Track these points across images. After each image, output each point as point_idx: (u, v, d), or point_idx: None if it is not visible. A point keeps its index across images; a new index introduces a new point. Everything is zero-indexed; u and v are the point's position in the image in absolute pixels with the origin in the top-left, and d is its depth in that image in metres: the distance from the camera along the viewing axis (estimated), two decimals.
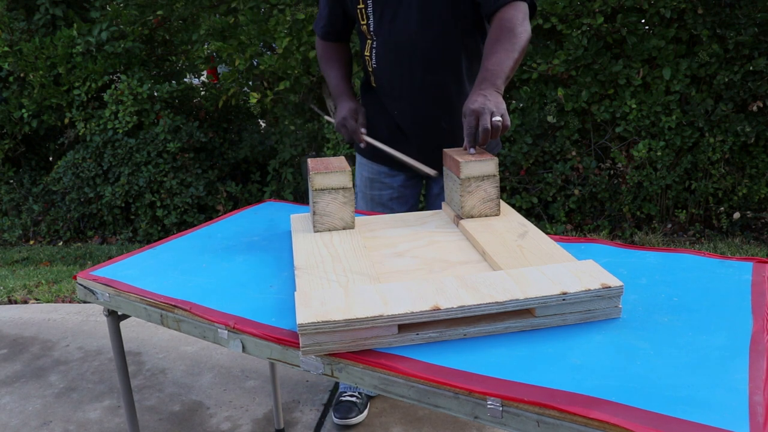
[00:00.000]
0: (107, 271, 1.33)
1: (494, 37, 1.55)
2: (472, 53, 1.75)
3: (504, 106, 1.40)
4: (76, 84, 4.66)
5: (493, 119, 1.35)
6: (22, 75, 4.73)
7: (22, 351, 2.78)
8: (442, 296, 0.96)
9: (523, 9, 1.58)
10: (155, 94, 4.65)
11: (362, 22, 1.74)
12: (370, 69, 1.80)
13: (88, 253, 4.56)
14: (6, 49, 4.65)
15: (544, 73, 3.83)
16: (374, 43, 1.75)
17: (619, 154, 3.89)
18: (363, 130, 1.75)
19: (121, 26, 4.69)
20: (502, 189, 4.12)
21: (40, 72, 4.62)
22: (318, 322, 0.91)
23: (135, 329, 2.89)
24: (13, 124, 4.93)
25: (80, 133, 4.74)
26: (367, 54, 1.79)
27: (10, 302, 3.49)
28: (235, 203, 4.81)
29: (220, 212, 4.75)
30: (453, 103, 1.76)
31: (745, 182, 3.76)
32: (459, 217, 1.37)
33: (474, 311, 0.94)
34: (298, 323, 0.91)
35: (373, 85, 1.84)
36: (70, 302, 3.40)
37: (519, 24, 1.55)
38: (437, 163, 1.81)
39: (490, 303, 0.94)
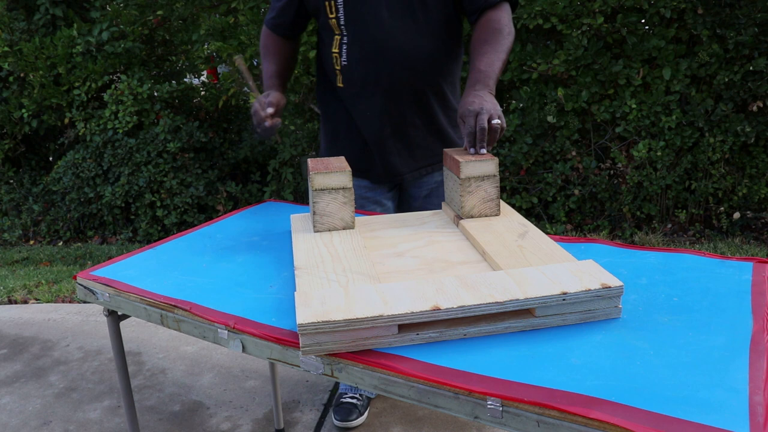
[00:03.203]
0: (107, 271, 1.33)
1: (483, 38, 1.56)
2: (450, 50, 1.69)
3: (499, 107, 1.41)
4: (76, 84, 4.66)
5: (492, 121, 1.35)
6: (22, 75, 4.73)
7: (22, 351, 2.78)
8: (442, 296, 0.96)
9: (507, 10, 1.61)
10: (155, 94, 4.65)
11: (330, 16, 1.63)
12: (338, 67, 1.68)
13: (88, 253, 4.56)
14: (6, 49, 4.65)
15: (544, 73, 3.83)
16: (344, 38, 1.65)
17: (619, 154, 3.89)
18: (269, 110, 1.58)
19: (121, 26, 4.68)
20: (502, 189, 4.12)
21: (40, 72, 4.62)
22: (318, 322, 0.91)
23: (135, 329, 2.89)
24: (13, 124, 4.93)
25: (80, 133, 4.74)
26: (335, 50, 1.67)
27: (10, 302, 3.49)
28: (235, 203, 4.81)
29: (220, 212, 4.74)
30: (429, 100, 1.70)
31: (745, 182, 3.76)
32: (459, 217, 1.37)
33: (474, 311, 0.94)
34: (298, 323, 0.91)
35: (340, 85, 1.71)
36: (70, 302, 3.40)
37: (506, 25, 1.58)
38: (408, 162, 1.76)
39: (490, 303, 0.94)
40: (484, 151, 1.36)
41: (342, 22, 1.63)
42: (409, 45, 1.62)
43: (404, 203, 1.91)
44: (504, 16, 1.59)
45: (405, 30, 1.61)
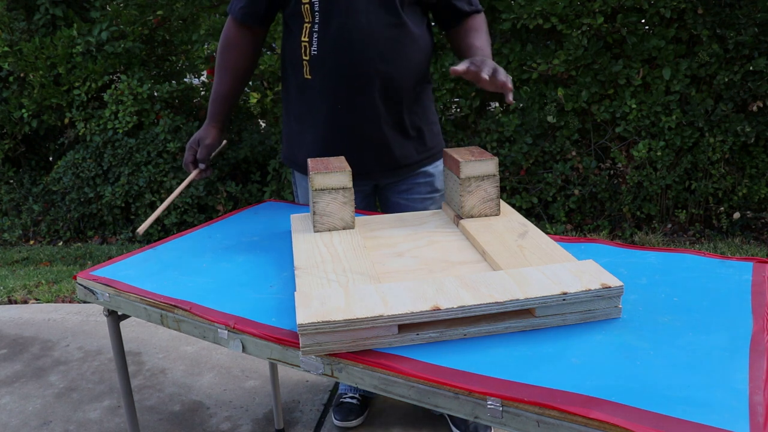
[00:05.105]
0: (107, 271, 1.33)
1: (476, 27, 1.68)
2: (426, 45, 1.66)
3: None
4: (76, 84, 4.66)
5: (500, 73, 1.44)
6: (22, 75, 4.73)
7: (22, 351, 2.78)
8: (442, 296, 0.96)
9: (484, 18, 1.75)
10: (155, 94, 4.65)
11: (304, 1, 1.54)
12: (307, 57, 1.59)
13: (88, 253, 4.56)
14: (6, 49, 4.65)
15: (544, 73, 3.83)
16: (315, 26, 1.56)
17: (619, 154, 3.89)
18: (201, 166, 1.65)
19: (121, 26, 4.68)
20: (502, 189, 4.12)
21: (40, 72, 4.62)
22: (318, 322, 0.91)
23: (135, 329, 2.89)
24: (13, 124, 4.93)
25: (80, 133, 4.74)
26: (305, 39, 1.57)
27: (10, 302, 3.49)
28: (235, 203, 4.81)
29: (220, 212, 4.74)
30: (403, 96, 1.64)
31: (745, 182, 3.77)
32: (459, 217, 1.37)
33: (474, 311, 0.94)
34: (298, 323, 0.91)
35: (307, 76, 1.61)
36: (70, 302, 3.40)
37: (486, 28, 1.72)
38: (381, 161, 1.69)
39: (490, 303, 0.94)
40: (511, 96, 1.42)
41: (317, 8, 1.54)
42: (385, 37, 1.55)
43: (383, 203, 1.86)
44: (484, 23, 1.72)
45: (382, 21, 1.55)
